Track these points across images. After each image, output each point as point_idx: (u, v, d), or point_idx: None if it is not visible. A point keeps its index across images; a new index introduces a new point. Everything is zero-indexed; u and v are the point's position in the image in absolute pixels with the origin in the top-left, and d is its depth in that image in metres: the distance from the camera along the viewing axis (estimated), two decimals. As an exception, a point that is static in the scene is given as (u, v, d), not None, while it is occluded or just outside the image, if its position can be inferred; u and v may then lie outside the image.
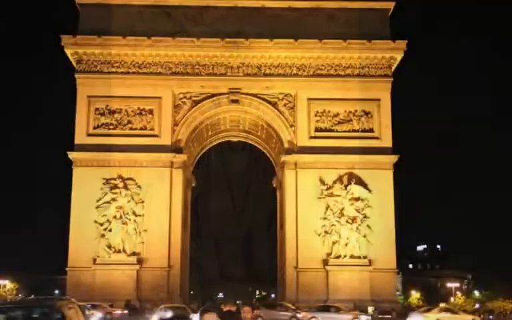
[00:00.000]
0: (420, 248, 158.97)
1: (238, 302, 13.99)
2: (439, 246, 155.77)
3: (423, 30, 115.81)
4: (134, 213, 56.31)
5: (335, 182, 57.46)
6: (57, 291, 61.66)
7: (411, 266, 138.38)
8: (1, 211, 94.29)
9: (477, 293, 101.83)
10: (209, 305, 8.11)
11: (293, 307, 49.94)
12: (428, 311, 49.87)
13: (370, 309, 52.91)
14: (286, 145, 59.01)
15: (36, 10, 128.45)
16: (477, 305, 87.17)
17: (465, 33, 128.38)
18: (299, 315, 47.64)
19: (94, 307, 45.66)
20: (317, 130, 58.75)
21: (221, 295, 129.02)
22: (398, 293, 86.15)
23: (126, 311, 50.29)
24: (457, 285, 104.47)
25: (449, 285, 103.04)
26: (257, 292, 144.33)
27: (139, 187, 56.72)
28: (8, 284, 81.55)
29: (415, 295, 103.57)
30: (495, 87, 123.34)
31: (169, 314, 43.77)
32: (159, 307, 46.28)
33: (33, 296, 65.98)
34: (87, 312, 39.59)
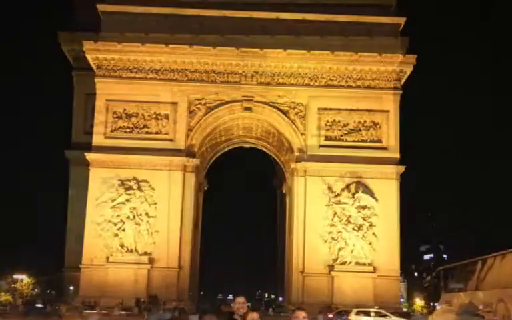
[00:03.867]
0: (427, 257, 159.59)
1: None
2: (445, 255, 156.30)
3: (433, 43, 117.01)
4: (147, 214, 58.08)
5: (342, 190, 58.99)
6: (71, 287, 63.13)
7: (416, 274, 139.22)
8: (18, 209, 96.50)
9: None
10: (208, 307, 8.98)
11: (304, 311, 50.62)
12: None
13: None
14: (296, 153, 60.60)
15: (37, 10, 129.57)
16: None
17: (472, 47, 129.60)
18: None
19: (91, 308, 47.13)
20: (326, 139, 60.26)
21: (230, 297, 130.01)
22: (402, 300, 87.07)
23: (124, 312, 51.03)
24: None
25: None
26: (266, 295, 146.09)
27: (153, 188, 58.47)
28: (25, 278, 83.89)
29: (418, 303, 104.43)
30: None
31: (168, 315, 44.16)
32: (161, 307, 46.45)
33: (48, 291, 67.66)
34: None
